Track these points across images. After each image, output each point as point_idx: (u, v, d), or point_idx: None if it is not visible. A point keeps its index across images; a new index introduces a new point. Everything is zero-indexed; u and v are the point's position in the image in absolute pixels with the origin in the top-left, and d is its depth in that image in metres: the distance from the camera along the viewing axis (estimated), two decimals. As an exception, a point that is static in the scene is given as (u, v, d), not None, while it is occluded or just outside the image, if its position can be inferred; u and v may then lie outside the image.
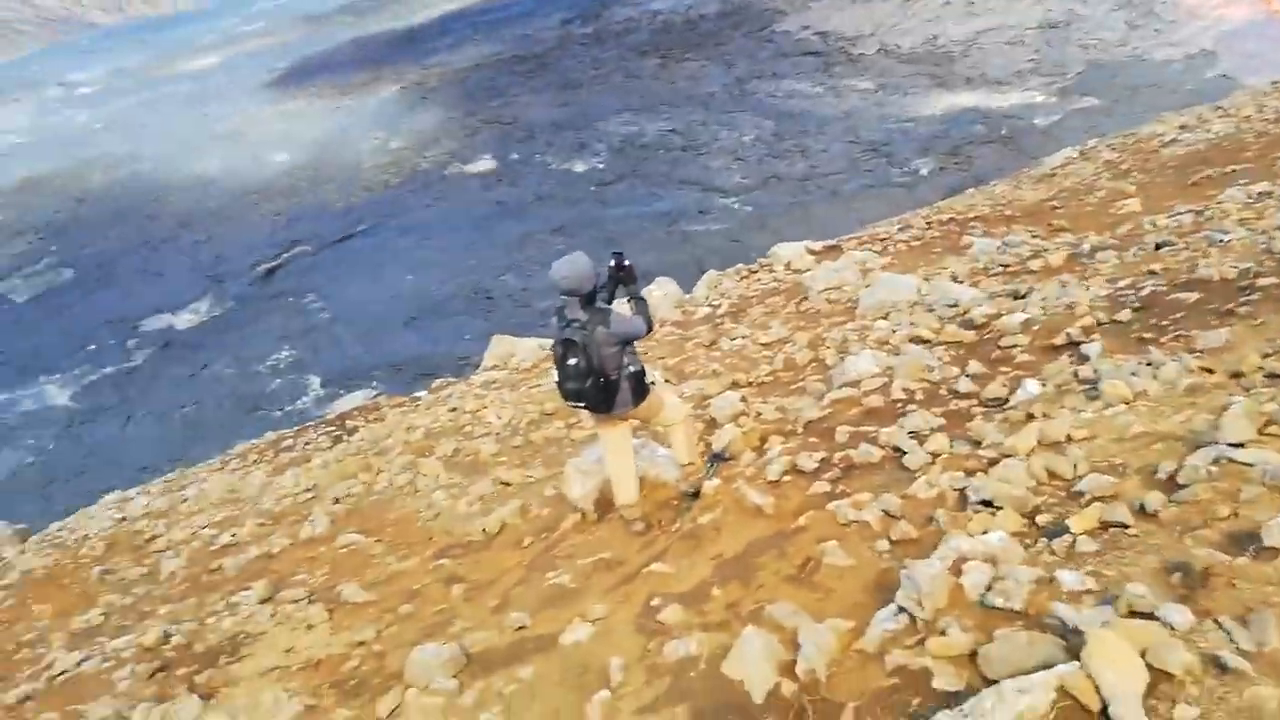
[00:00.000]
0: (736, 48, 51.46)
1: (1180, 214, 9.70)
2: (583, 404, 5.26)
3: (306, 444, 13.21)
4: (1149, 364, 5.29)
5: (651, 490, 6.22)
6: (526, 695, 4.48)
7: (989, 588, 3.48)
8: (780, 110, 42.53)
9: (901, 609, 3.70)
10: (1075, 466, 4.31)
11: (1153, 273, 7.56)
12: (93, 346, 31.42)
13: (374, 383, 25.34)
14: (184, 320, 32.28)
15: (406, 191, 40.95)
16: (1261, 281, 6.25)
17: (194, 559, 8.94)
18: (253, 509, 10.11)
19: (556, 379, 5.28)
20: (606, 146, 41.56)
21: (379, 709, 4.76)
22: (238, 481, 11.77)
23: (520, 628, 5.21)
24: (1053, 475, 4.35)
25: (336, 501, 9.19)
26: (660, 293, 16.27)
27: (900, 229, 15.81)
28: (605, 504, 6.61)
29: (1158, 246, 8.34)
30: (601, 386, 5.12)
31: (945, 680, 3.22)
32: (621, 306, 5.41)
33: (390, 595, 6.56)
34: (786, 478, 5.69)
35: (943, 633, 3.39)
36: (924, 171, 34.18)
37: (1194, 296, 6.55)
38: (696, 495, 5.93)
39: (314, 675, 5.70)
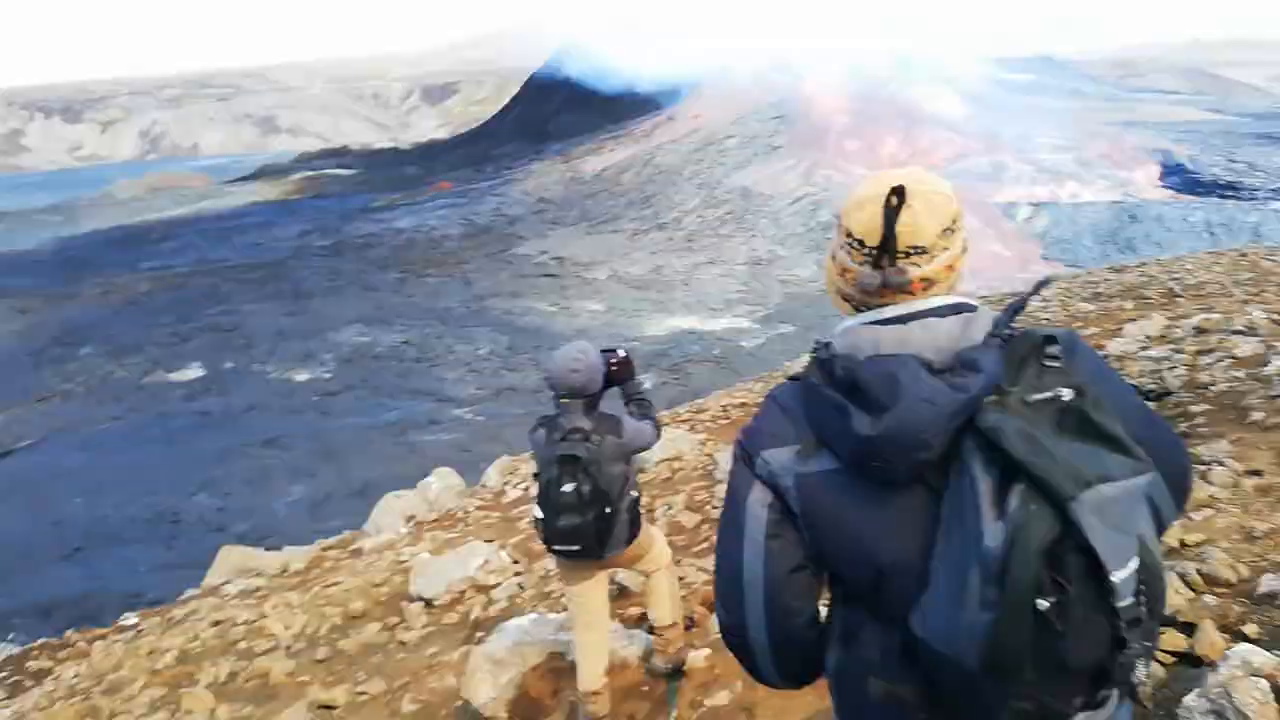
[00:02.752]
0: (477, 267, 52.65)
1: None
2: (577, 546, 3.69)
3: (-34, 698, 9.38)
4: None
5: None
6: None
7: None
8: (516, 326, 43.19)
9: None
10: None
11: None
12: None
13: (11, 633, 19.92)
14: None
15: (93, 403, 35.44)
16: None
17: None
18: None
19: (541, 515, 3.69)
20: (335, 356, 39.24)
21: None
22: None
23: None
24: None
25: (52, 763, 6.20)
26: (440, 485, 14.60)
27: (696, 411, 15.60)
28: (527, 705, 4.79)
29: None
30: (605, 518, 3.64)
31: None
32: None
33: None
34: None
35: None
36: (648, 385, 35.53)
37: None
38: (680, 672, 4.39)
39: None
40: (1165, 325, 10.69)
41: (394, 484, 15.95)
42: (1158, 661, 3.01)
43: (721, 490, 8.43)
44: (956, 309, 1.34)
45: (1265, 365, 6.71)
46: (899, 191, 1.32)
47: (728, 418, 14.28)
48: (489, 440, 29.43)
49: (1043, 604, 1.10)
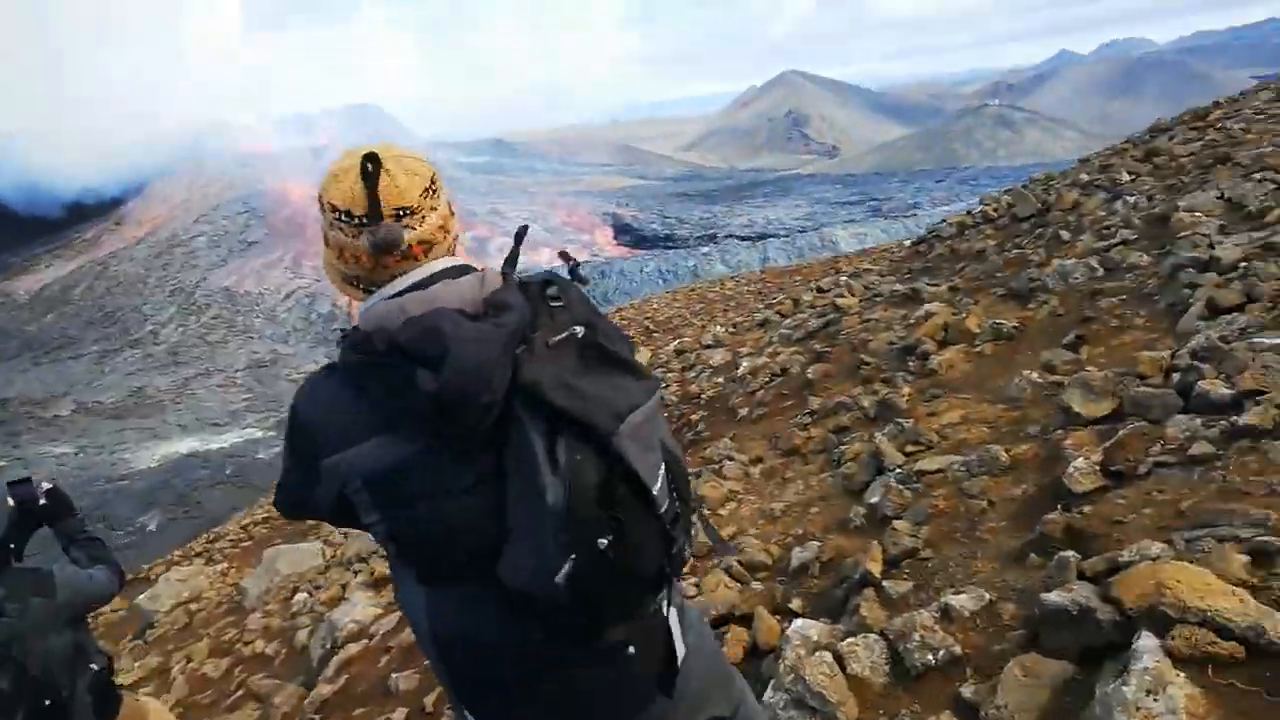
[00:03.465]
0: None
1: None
2: None
3: None
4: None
5: None
6: None
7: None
8: (-46, 494, 34.40)
9: None
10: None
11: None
12: None
13: None
14: None
15: None
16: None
17: None
18: None
19: None
20: None
21: None
22: None
23: None
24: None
25: None
26: None
27: (211, 540, 13.63)
28: None
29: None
30: (51, 712, 2.58)
31: None
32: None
33: None
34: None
35: None
36: (152, 527, 31.03)
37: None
38: None
39: None
40: (651, 355, 11.89)
41: None
42: (731, 663, 2.94)
43: (253, 622, 7.23)
44: (464, 270, 1.39)
45: (737, 368, 7.63)
46: (372, 158, 1.33)
47: (251, 539, 12.71)
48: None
49: (603, 543, 1.22)
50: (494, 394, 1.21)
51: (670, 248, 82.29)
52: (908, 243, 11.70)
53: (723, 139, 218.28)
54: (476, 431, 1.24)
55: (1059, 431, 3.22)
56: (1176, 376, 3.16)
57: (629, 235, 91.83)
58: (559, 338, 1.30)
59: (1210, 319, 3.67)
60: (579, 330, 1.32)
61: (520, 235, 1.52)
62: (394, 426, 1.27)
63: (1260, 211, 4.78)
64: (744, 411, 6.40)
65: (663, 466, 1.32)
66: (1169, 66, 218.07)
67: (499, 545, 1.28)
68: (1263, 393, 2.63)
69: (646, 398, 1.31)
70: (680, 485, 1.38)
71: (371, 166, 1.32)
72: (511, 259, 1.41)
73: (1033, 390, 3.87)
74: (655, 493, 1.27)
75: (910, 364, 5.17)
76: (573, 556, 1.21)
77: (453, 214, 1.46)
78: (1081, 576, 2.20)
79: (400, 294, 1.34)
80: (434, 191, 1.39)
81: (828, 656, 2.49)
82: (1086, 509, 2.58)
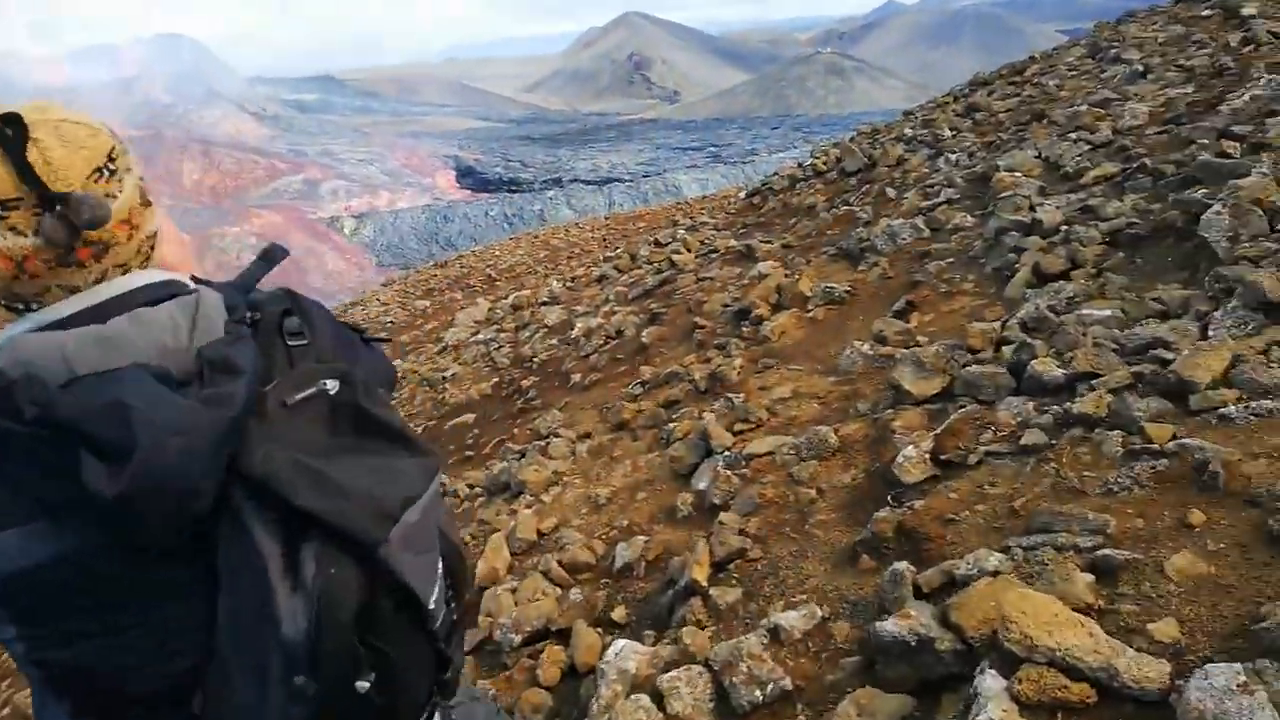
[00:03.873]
0: None
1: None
2: None
3: None
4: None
5: None
6: None
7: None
8: None
9: None
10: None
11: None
12: None
13: None
14: None
15: None
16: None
17: None
18: None
19: None
20: None
21: None
22: None
23: None
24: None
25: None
26: None
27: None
28: None
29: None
30: None
31: None
32: None
33: None
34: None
35: None
36: None
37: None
38: None
39: None
40: (490, 308, 11.37)
41: None
42: (545, 689, 2.64)
43: None
44: (169, 290, 1.00)
45: (572, 329, 7.28)
46: (11, 119, 0.91)
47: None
48: None
49: (364, 685, 0.92)
50: (199, 499, 0.87)
51: (515, 191, 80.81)
52: (743, 195, 11.63)
53: (565, 81, 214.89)
54: (165, 539, 0.90)
55: (889, 411, 3.07)
56: (1007, 350, 3.05)
57: (472, 179, 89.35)
58: (302, 395, 0.95)
59: (1038, 286, 3.62)
60: (329, 386, 0.97)
61: (271, 256, 1.10)
62: (47, 514, 0.89)
63: (1077, 172, 4.82)
64: (577, 378, 6.08)
65: (440, 565, 1.03)
66: (985, 19, 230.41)
67: (195, 676, 0.95)
68: (1095, 375, 2.52)
69: (425, 484, 0.98)
70: (459, 583, 1.11)
71: (11, 133, 0.90)
72: (248, 282, 1.04)
73: (864, 362, 3.73)
74: (431, 606, 0.98)
75: (743, 329, 4.99)
76: (312, 708, 0.90)
77: (147, 204, 1.04)
78: (918, 593, 2.00)
79: (64, 322, 0.94)
80: (112, 172, 0.98)
81: (645, 700, 2.20)
82: (917, 504, 2.42)
